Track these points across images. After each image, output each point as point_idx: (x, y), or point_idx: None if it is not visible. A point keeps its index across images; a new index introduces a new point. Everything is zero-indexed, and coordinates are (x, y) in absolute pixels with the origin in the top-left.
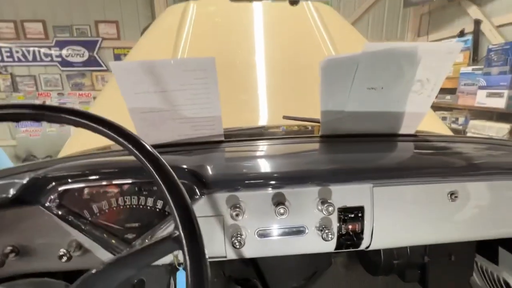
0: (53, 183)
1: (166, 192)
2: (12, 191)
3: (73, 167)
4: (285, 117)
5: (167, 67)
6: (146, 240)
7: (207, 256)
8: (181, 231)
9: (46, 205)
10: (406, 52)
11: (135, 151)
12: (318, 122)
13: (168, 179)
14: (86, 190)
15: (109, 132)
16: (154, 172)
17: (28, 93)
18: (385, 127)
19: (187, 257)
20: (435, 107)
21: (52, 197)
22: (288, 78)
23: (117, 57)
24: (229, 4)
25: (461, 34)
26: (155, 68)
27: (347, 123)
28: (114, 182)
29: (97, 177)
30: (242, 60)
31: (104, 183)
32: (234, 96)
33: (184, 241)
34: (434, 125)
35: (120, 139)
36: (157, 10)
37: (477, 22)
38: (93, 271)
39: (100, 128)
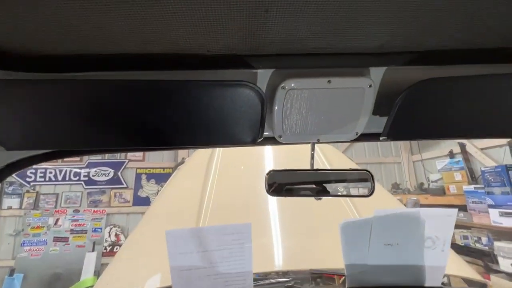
0: None
1: None
2: None
3: None
4: (312, 271)
5: (210, 231)
6: None
7: None
8: None
9: None
10: (411, 216)
11: None
12: (344, 275)
13: None
14: None
15: None
16: None
17: (45, 210)
18: (409, 280)
19: None
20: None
21: None
22: (301, 218)
23: (138, 176)
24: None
25: (451, 154)
26: (200, 233)
27: (372, 275)
28: None
29: None
30: (259, 200)
31: None
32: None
33: None
34: (455, 265)
35: None
36: None
37: (462, 145)
38: None
39: None
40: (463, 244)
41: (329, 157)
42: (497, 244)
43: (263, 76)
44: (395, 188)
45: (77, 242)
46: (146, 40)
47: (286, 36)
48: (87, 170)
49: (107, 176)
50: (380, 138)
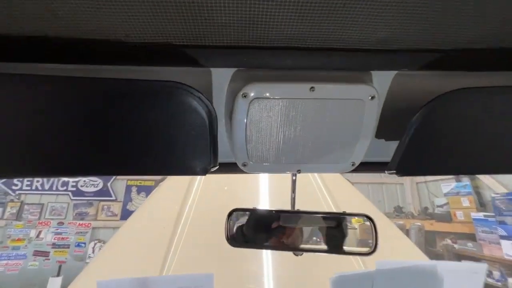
0: None
1: None
2: None
3: None
4: None
5: (159, 283)
6: None
7: None
8: None
9: None
10: (425, 271)
11: None
12: None
13: None
14: None
15: None
16: None
17: (28, 222)
18: None
19: None
20: (460, 256)
21: None
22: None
23: (129, 188)
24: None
25: (457, 177)
26: (146, 284)
27: None
28: None
29: None
30: None
31: None
32: (237, 267)
33: None
34: None
35: None
36: None
37: None
38: None
39: None
40: None
41: (327, 181)
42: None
43: (218, 77)
44: (398, 212)
45: (58, 257)
46: (20, 18)
47: (243, 17)
48: (75, 179)
49: (96, 187)
50: (386, 172)
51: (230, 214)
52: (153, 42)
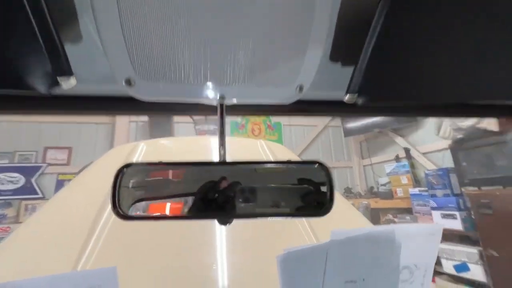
0: None
1: None
2: None
3: None
4: None
5: (44, 283)
6: None
7: None
8: None
9: None
10: (382, 237)
11: None
12: None
13: None
14: None
15: None
16: None
17: None
18: None
19: None
20: None
21: None
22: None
23: (60, 183)
24: (182, 141)
25: (397, 158)
26: (28, 285)
27: None
28: None
29: None
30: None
31: None
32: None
33: None
34: None
35: None
36: (117, 138)
37: (407, 150)
38: None
39: None
40: None
41: (275, 151)
42: (440, 246)
43: None
44: (348, 193)
45: None
46: None
47: None
48: None
49: (16, 183)
50: (348, 95)
51: (120, 170)
52: None
